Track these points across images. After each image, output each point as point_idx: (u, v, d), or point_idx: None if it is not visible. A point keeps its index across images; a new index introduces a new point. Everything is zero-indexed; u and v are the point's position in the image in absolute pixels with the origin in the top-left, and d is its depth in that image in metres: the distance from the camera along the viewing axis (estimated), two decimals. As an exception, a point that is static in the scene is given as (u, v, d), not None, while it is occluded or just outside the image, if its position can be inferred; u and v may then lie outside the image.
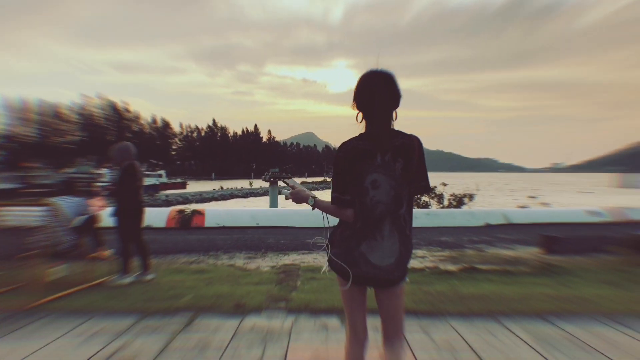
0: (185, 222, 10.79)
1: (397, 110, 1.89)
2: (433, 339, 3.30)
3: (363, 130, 1.89)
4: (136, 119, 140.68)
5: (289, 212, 11.96)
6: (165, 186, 65.85)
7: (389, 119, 1.87)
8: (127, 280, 5.05)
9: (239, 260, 6.86)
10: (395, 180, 1.82)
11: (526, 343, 3.19)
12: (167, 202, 44.59)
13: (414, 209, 2.04)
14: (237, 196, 57.65)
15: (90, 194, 5.45)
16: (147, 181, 60.12)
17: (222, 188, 66.80)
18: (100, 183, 6.64)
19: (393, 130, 1.88)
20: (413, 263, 6.56)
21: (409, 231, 1.88)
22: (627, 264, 6.40)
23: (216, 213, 11.42)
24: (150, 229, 10.56)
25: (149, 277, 5.24)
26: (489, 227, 12.15)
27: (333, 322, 3.62)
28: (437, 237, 9.89)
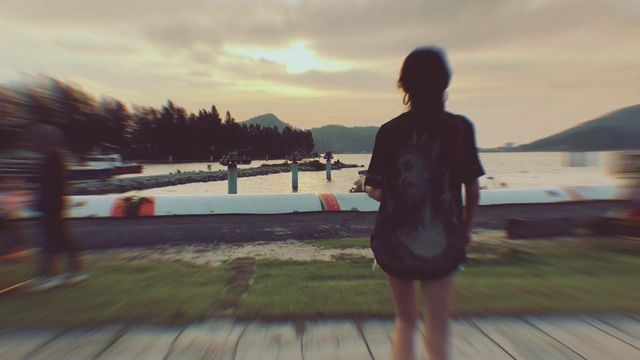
0: (133, 211, 9.99)
1: (447, 89, 1.80)
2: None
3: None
4: (86, 100, 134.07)
5: (246, 198, 11.36)
6: (120, 170, 63.29)
7: (438, 99, 1.78)
8: (50, 284, 4.34)
9: (187, 255, 6.24)
10: (430, 163, 1.74)
11: (506, 352, 2.80)
12: (121, 188, 42.67)
13: None
14: (196, 180, 55.99)
15: (8, 187, 4.69)
16: (99, 165, 57.55)
17: (179, 172, 64.80)
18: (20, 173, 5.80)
19: (439, 110, 1.79)
20: (367, 254, 6.14)
21: (457, 219, 1.78)
22: (593, 247, 6.24)
23: (167, 200, 10.65)
24: (93, 219, 9.72)
25: (80, 278, 4.55)
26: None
27: (287, 332, 3.11)
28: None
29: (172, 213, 10.21)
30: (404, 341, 1.95)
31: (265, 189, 41.82)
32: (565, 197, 13.75)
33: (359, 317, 3.41)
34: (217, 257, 6.07)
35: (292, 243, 7.14)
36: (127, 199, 10.28)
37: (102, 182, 43.47)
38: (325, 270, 5.06)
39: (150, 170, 71.75)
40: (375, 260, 1.92)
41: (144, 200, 10.30)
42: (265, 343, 2.94)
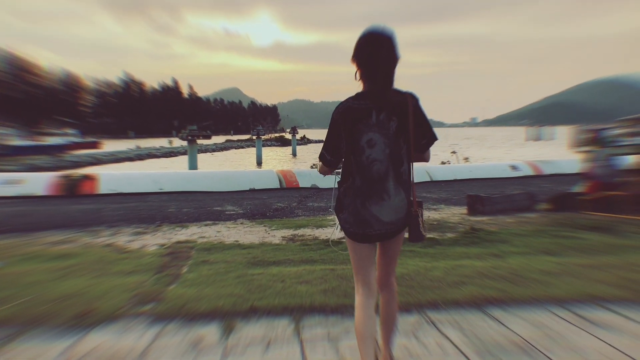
0: (72, 189, 9.20)
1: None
2: (337, 347, 2.46)
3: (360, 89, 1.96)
4: (38, 71, 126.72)
5: (198, 175, 10.72)
6: (76, 146, 60.57)
7: (391, 78, 1.93)
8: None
9: (122, 238, 5.64)
10: (389, 139, 1.90)
11: (460, 351, 2.43)
12: (76, 164, 40.70)
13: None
14: (156, 156, 54.10)
15: None
16: (53, 141, 54.82)
17: (139, 147, 62.53)
18: None
19: (392, 89, 1.93)
20: (321, 234, 5.73)
21: (412, 184, 1.98)
22: (555, 223, 6.03)
23: (112, 177, 9.90)
24: (27, 198, 8.90)
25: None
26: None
27: (211, 334, 2.64)
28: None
29: (117, 191, 9.48)
30: (367, 313, 2.02)
31: (228, 165, 40.83)
32: (527, 172, 13.74)
33: (298, 312, 2.98)
34: (155, 240, 5.51)
35: (242, 223, 6.64)
36: (66, 176, 9.46)
37: (55, 158, 41.32)
38: (271, 254, 4.60)
39: (110, 146, 69.02)
40: (337, 228, 2.12)
41: (86, 178, 9.51)
42: (181, 349, 2.47)
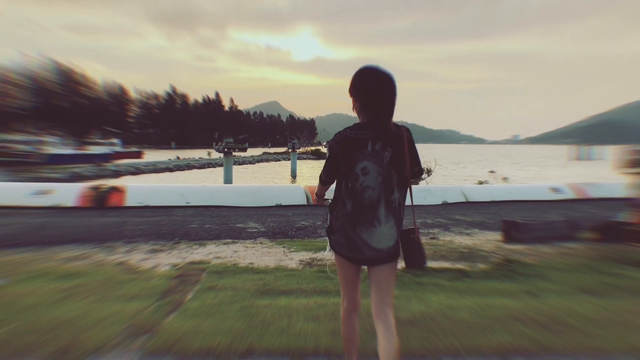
0: (100, 201, 9.25)
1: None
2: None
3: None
4: (88, 82, 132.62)
5: (225, 189, 10.61)
6: (120, 155, 62.71)
7: (391, 112, 2.05)
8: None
9: (137, 255, 5.49)
10: (383, 168, 2.02)
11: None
12: (117, 173, 42.07)
13: None
14: (194, 167, 55.25)
15: None
16: (98, 150, 56.92)
17: (178, 158, 64.05)
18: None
19: (390, 123, 2.06)
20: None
21: (403, 214, 2.09)
22: (599, 257, 5.46)
23: (140, 190, 9.89)
24: (56, 209, 9.00)
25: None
26: (446, 205, 11.19)
27: (197, 380, 2.37)
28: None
29: (144, 204, 9.47)
30: (350, 323, 2.23)
31: (262, 178, 41.07)
32: (569, 195, 12.91)
33: (299, 357, 2.66)
34: (169, 259, 5.33)
35: (261, 243, 6.39)
36: (95, 188, 9.53)
37: (98, 167, 42.76)
38: (284, 282, 4.30)
39: (151, 156, 71.08)
40: (328, 249, 2.22)
41: (114, 190, 9.54)
42: (161, 398, 2.20)
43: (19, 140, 43.87)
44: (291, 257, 5.49)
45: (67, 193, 9.42)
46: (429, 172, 15.05)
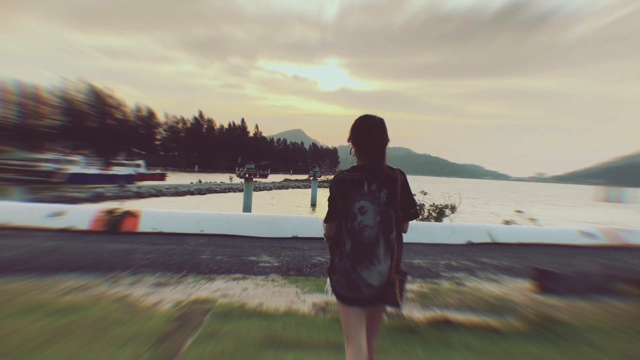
0: (113, 226, 9.04)
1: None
2: None
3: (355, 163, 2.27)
4: (120, 105, 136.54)
5: (240, 218, 10.28)
6: (143, 177, 63.63)
7: (383, 155, 2.22)
8: None
9: (141, 289, 5.16)
10: (380, 207, 2.14)
11: None
12: (139, 194, 42.51)
13: None
14: (215, 191, 55.59)
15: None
16: (122, 171, 57.86)
17: (200, 181, 64.60)
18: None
19: (384, 164, 2.23)
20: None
21: (399, 254, 2.20)
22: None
23: (154, 215, 9.66)
24: (68, 231, 8.81)
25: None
26: (471, 245, 10.62)
27: None
28: (411, 258, 8.30)
29: (157, 230, 9.21)
30: None
31: (281, 205, 40.83)
32: (602, 240, 12.16)
33: None
34: (173, 294, 4.98)
35: (273, 280, 6.00)
36: (110, 212, 9.33)
37: (120, 188, 43.32)
38: (293, 330, 3.89)
39: (174, 179, 71.92)
40: (329, 289, 2.27)
41: (128, 214, 9.33)
42: None
43: (46, 159, 44.91)
44: (304, 300, 5.08)
45: (81, 216, 9.25)
46: (453, 209, 14.49)
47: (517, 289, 6.31)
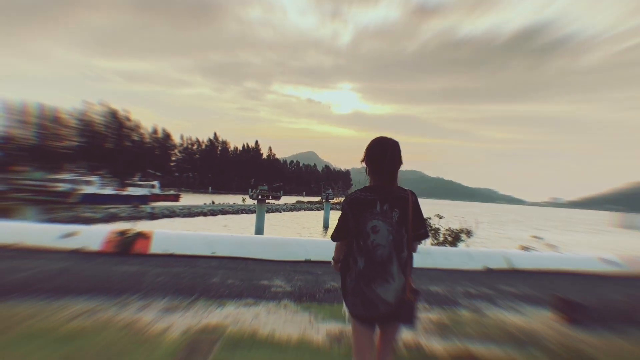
0: (125, 247, 8.96)
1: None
2: None
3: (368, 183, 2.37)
4: (137, 127, 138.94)
5: (253, 240, 10.13)
6: (157, 197, 64.17)
7: (395, 176, 2.30)
8: None
9: (149, 314, 5.01)
10: (392, 227, 2.21)
11: None
12: (152, 215, 42.71)
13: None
14: (228, 212, 55.70)
15: None
16: (137, 191, 58.39)
17: (213, 202, 64.85)
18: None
19: (396, 185, 2.31)
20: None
21: (410, 272, 2.25)
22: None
23: (165, 237, 9.56)
24: (80, 252, 8.75)
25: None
26: (489, 272, 10.30)
27: None
28: (427, 284, 8.04)
29: (169, 252, 9.10)
30: None
31: (292, 228, 40.62)
32: (625, 268, 11.72)
33: None
34: (182, 320, 4.82)
35: (285, 306, 5.81)
36: (122, 233, 9.27)
37: (134, 209, 43.63)
38: (306, 363, 3.70)
39: (188, 199, 72.35)
40: (346, 311, 2.31)
41: (140, 236, 9.25)
42: None
43: (62, 179, 45.52)
44: (317, 328, 4.87)
45: (93, 237, 9.20)
46: (469, 233, 14.19)
47: (540, 320, 6.02)
